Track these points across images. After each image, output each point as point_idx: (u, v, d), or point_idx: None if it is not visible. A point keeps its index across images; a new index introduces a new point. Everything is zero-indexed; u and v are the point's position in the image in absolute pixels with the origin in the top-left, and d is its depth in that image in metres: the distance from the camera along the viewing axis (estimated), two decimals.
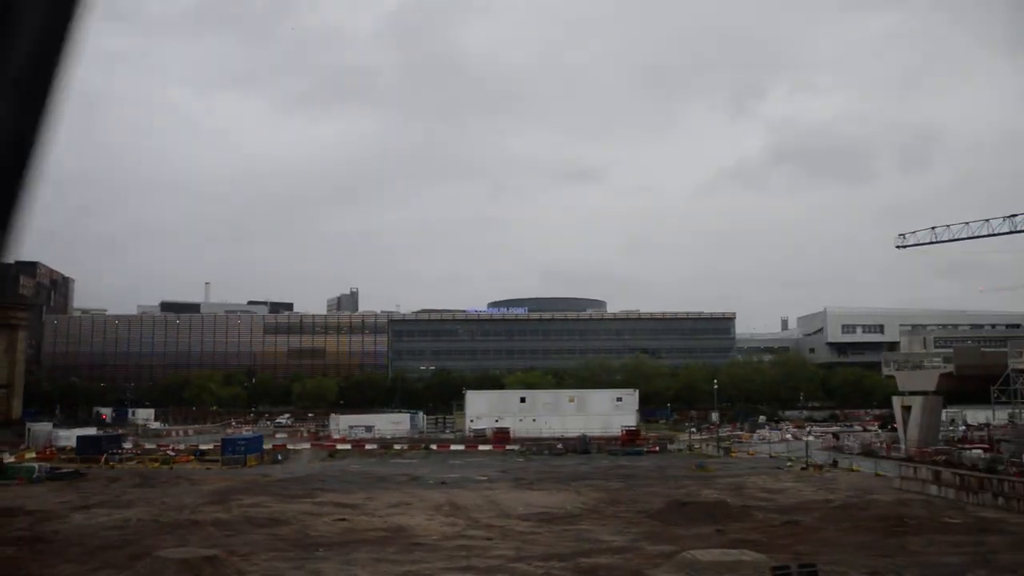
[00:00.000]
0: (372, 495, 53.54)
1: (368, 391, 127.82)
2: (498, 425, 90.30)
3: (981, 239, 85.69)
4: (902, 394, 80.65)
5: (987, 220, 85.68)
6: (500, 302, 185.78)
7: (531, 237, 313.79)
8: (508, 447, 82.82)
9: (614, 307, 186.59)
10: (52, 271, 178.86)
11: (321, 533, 40.36)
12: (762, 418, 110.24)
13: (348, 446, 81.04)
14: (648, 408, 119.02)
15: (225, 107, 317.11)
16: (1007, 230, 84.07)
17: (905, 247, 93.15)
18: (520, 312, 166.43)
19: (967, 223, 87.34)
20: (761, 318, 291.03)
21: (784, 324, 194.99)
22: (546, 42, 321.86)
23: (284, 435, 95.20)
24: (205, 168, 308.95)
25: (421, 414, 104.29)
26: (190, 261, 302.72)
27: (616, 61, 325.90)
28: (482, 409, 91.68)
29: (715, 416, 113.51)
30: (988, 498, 46.18)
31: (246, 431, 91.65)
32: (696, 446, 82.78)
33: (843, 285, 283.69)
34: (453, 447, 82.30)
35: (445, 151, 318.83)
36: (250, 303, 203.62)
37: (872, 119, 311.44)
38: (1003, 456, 62.01)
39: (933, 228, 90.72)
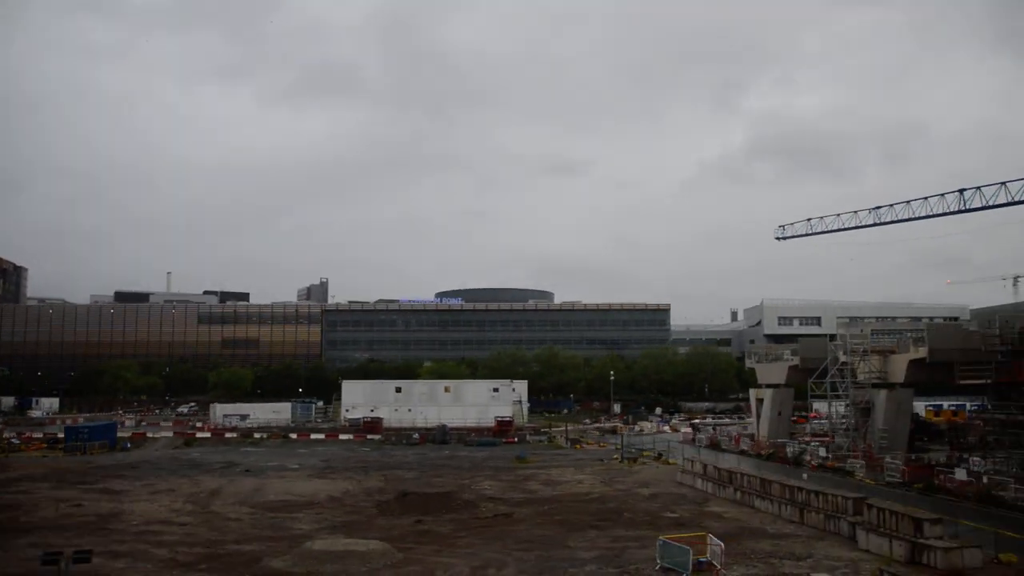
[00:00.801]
0: (155, 482, 54.15)
1: (285, 380, 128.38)
2: (373, 415, 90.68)
3: (849, 231, 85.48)
4: (759, 387, 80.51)
5: (855, 212, 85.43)
6: (446, 292, 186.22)
7: (514, 229, 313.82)
8: (369, 436, 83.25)
9: (563, 298, 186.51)
10: (2, 260, 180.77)
11: (33, 519, 40.96)
12: (658, 409, 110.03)
13: (208, 434, 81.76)
14: (552, 399, 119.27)
15: (210, 101, 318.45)
16: (871, 222, 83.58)
17: (785, 239, 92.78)
18: (455, 303, 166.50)
19: (838, 215, 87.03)
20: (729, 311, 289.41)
21: (734, 316, 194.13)
22: (530, 37, 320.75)
23: (169, 423, 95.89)
24: (189, 160, 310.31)
25: (314, 404, 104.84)
26: (169, 251, 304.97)
27: (599, 56, 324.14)
28: (357, 399, 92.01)
29: (617, 407, 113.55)
30: (730, 492, 46.07)
31: (127, 420, 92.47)
32: (555, 438, 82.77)
33: (827, 278, 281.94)
34: (313, 436, 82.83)
35: (431, 145, 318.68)
36: (205, 293, 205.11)
37: (855, 114, 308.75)
38: (815, 448, 61.82)
39: (809, 220, 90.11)
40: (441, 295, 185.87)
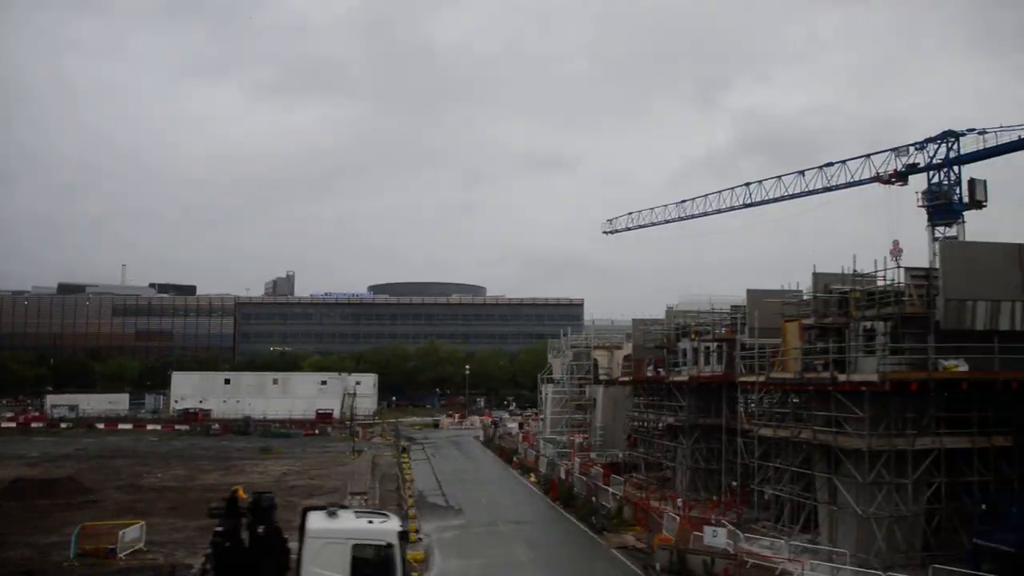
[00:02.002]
0: None
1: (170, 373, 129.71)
2: (202, 406, 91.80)
3: (660, 225, 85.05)
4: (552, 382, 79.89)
5: (665, 206, 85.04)
6: (377, 285, 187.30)
7: (501, 224, 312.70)
8: (178, 427, 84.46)
9: (495, 292, 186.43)
10: None
11: None
12: (514, 404, 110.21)
13: (14, 424, 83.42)
14: (419, 394, 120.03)
15: (196, 97, 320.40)
16: (676, 216, 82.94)
17: (613, 232, 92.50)
18: (365, 296, 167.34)
19: (652, 208, 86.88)
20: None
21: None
22: (515, 33, 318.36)
23: (11, 413, 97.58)
24: (173, 155, 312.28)
25: (163, 396, 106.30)
26: (148, 245, 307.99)
27: (583, 52, 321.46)
28: (187, 390, 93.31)
29: (481, 402, 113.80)
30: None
31: None
32: (351, 432, 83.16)
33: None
34: (121, 426, 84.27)
35: (417, 140, 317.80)
36: (151, 285, 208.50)
37: (838, 111, 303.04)
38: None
39: (630, 214, 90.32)
40: (372, 288, 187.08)
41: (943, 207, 58.41)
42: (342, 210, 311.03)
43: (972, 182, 58.54)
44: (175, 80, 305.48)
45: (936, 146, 59.18)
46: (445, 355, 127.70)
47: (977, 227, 60.14)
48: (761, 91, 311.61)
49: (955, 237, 57.75)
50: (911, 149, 60.75)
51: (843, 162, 65.64)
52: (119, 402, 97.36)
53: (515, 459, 57.93)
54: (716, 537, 26.60)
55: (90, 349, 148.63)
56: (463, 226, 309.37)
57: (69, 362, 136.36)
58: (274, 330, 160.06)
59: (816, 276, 33.38)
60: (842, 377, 26.66)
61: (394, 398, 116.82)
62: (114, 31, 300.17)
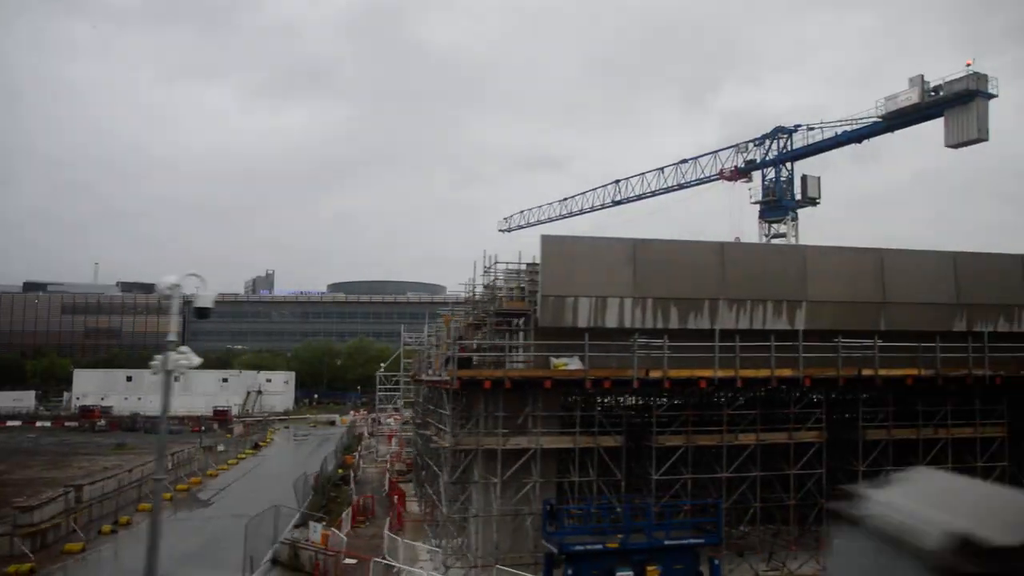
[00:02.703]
0: None
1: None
2: (103, 403, 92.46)
3: (553, 222, 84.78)
4: None
5: (551, 203, 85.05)
6: (337, 284, 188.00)
7: (491, 224, 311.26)
8: (68, 424, 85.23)
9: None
10: None
11: None
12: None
13: None
14: (344, 391, 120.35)
15: (187, 98, 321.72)
16: (559, 214, 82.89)
17: (509, 230, 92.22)
18: (313, 294, 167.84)
19: (540, 206, 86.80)
20: None
21: None
22: (506, 34, 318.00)
23: None
24: (170, 155, 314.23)
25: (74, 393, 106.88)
26: (144, 246, 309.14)
27: (574, 52, 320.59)
28: (89, 387, 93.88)
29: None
30: None
31: None
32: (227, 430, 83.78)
33: None
34: (10, 423, 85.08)
35: (410, 141, 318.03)
36: (117, 283, 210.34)
37: (824, 113, 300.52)
38: None
39: (522, 212, 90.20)
40: (331, 287, 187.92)
41: (773, 204, 57.89)
42: (333, 209, 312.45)
43: (804, 178, 58.07)
44: (164, 82, 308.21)
45: (770, 142, 58.62)
46: (376, 353, 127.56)
47: (815, 224, 59.54)
48: (750, 92, 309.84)
49: (785, 235, 57.32)
50: (750, 146, 60.22)
51: (695, 159, 65.25)
52: (24, 399, 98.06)
53: (346, 456, 58.01)
54: (315, 533, 26.68)
55: (36, 347, 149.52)
56: (454, 225, 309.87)
57: (5, 360, 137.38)
58: (224, 328, 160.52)
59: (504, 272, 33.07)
60: (446, 376, 26.41)
61: (316, 395, 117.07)
62: (100, 33, 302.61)
